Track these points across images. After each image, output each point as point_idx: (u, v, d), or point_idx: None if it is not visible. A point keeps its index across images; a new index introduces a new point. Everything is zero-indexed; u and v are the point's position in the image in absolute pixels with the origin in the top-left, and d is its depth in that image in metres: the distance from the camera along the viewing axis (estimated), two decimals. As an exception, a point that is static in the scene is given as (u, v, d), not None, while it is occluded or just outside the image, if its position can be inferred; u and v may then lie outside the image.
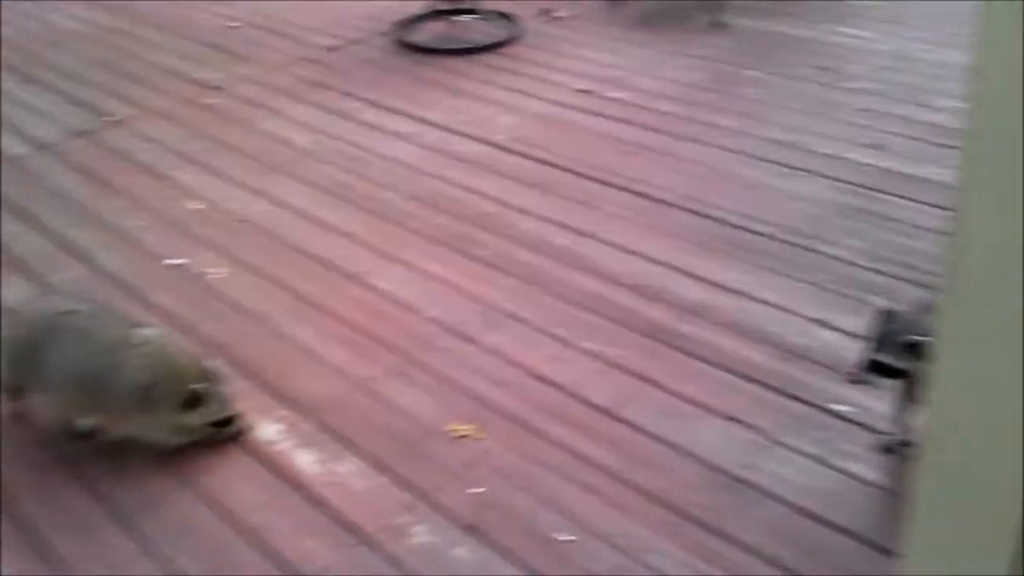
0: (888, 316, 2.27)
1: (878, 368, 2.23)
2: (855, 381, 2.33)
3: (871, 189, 3.60)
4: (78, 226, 3.63)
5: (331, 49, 5.27)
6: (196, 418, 2.47)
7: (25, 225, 3.65)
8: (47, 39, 5.65)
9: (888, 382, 2.27)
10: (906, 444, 2.28)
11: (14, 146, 4.30)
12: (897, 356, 2.18)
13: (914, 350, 2.11)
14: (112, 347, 2.45)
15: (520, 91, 4.63)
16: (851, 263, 3.15)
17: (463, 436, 2.52)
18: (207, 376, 2.48)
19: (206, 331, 2.96)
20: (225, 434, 2.53)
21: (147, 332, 2.54)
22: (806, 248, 3.25)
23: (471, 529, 2.24)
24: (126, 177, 3.99)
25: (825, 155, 3.87)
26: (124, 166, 4.09)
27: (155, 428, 2.48)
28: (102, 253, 3.44)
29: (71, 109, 4.67)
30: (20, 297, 3.17)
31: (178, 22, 5.80)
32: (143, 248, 3.46)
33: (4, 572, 2.21)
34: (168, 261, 3.35)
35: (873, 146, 3.91)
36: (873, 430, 2.45)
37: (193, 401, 2.44)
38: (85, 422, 2.59)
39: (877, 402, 2.52)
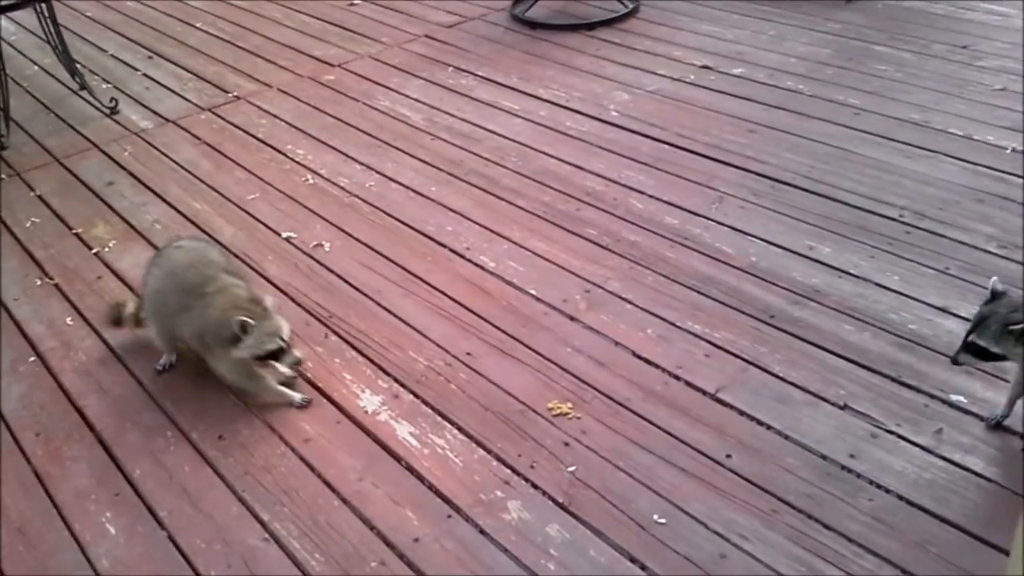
0: (995, 296, 2.19)
1: (973, 349, 2.19)
2: (953, 361, 2.26)
3: (1004, 173, 3.39)
4: (199, 198, 3.75)
5: (448, 26, 5.28)
6: (243, 351, 2.52)
7: (149, 196, 3.80)
8: (174, 15, 5.84)
9: (984, 364, 2.24)
10: None
11: (140, 120, 4.48)
12: (995, 340, 2.14)
13: (1014, 335, 2.09)
14: (190, 290, 2.61)
15: (636, 67, 4.54)
16: (980, 249, 2.98)
17: (562, 414, 2.49)
18: (252, 313, 2.51)
19: (314, 302, 3.02)
20: (283, 365, 2.59)
21: (224, 280, 2.64)
22: (932, 233, 3.08)
23: (566, 507, 2.22)
24: (245, 151, 4.10)
25: (957, 136, 3.66)
26: (244, 140, 4.20)
27: (218, 366, 2.62)
28: (219, 224, 3.54)
29: (195, 84, 4.82)
30: (138, 264, 3.30)
31: (300, 1, 5.91)
32: (258, 220, 3.54)
33: (112, 530, 2.30)
34: (282, 233, 3.42)
35: (1009, 127, 3.68)
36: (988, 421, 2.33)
37: (235, 338, 2.49)
38: (169, 358, 2.79)
39: (994, 393, 2.41)
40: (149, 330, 2.79)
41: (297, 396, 2.62)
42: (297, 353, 2.59)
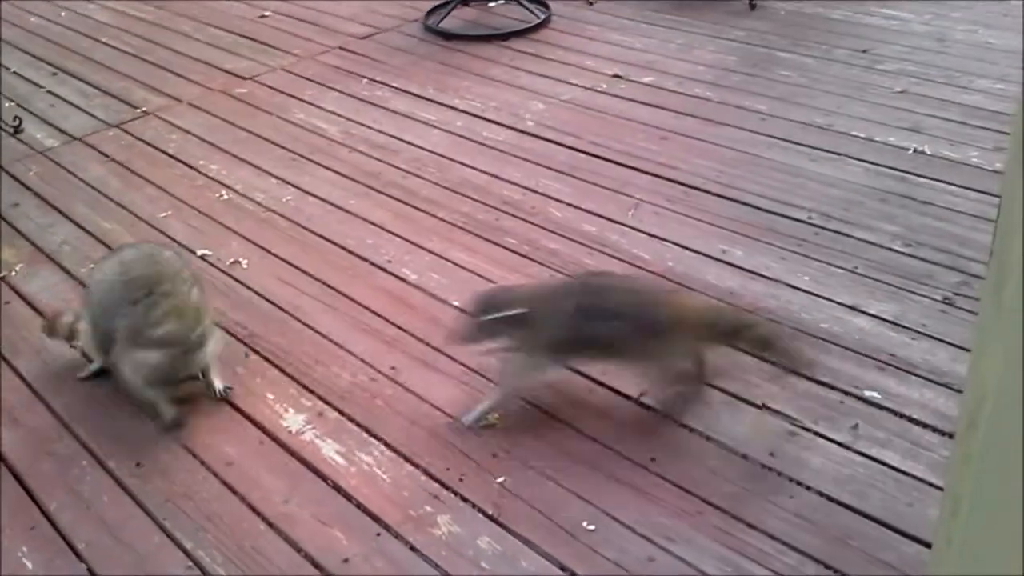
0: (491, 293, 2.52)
1: (484, 329, 2.44)
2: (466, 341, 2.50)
3: (907, 172, 3.52)
4: (108, 217, 3.65)
5: (362, 38, 5.26)
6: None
7: (56, 216, 3.68)
8: (78, 30, 5.69)
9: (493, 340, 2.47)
10: None
11: (45, 138, 4.35)
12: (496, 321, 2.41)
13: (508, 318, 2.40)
14: (141, 285, 2.54)
15: (549, 77, 4.58)
16: (886, 248, 3.08)
17: (489, 426, 2.49)
18: (184, 321, 2.52)
19: (233, 321, 2.96)
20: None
21: (183, 287, 2.59)
22: (839, 233, 3.18)
23: (495, 519, 2.22)
24: (155, 168, 4.01)
25: (860, 138, 3.79)
26: (154, 156, 4.11)
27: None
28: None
29: (101, 100, 4.70)
30: (47, 287, 3.21)
31: (209, 13, 5.82)
32: (171, 238, 3.47)
33: (29, 565, 2.23)
34: (197, 251, 3.36)
35: (909, 129, 3.82)
36: (902, 416, 2.41)
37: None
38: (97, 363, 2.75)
39: (907, 389, 2.49)
40: (82, 332, 2.71)
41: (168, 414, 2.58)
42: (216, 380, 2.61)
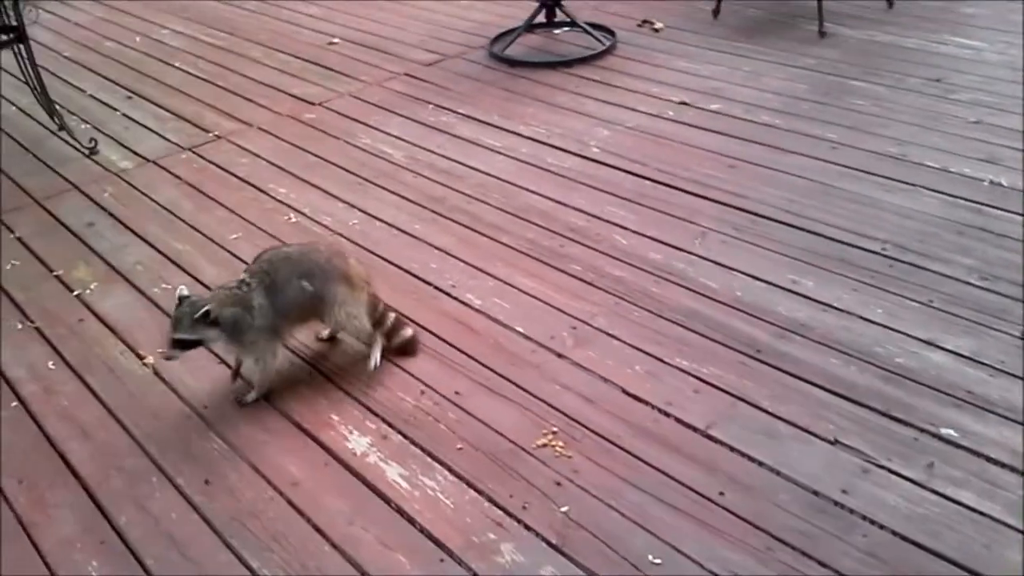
0: (182, 302, 2.62)
1: (180, 344, 2.63)
2: (168, 358, 2.70)
3: (983, 204, 3.43)
4: (181, 238, 3.73)
5: (428, 64, 5.31)
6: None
7: (130, 237, 3.77)
8: (152, 55, 5.85)
9: (190, 351, 2.69)
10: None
11: (120, 160, 4.46)
12: (191, 330, 2.60)
13: (203, 321, 2.59)
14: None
15: (615, 104, 4.58)
16: (962, 281, 3.00)
17: (553, 453, 2.48)
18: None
19: (299, 341, 2.99)
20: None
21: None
22: (914, 265, 3.11)
23: (559, 549, 2.20)
24: (226, 190, 4.09)
25: (934, 168, 3.71)
26: (225, 179, 4.19)
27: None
28: (203, 264, 3.52)
29: (174, 124, 4.82)
30: (121, 306, 3.28)
31: (279, 40, 5.94)
32: (241, 260, 3.51)
33: (99, 576, 2.27)
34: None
35: (985, 160, 3.73)
36: (979, 455, 2.33)
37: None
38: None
39: (984, 427, 2.42)
40: None
41: None
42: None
